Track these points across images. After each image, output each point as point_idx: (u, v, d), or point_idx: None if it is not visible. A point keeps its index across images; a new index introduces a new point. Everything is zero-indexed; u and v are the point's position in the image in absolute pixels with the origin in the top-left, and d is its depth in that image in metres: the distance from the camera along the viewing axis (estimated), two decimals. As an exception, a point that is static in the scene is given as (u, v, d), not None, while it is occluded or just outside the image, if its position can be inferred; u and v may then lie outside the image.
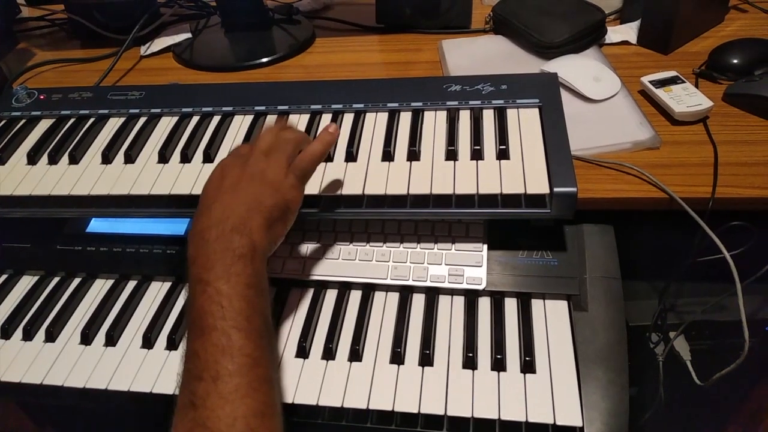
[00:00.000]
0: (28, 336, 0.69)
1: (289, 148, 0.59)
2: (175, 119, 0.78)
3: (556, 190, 0.61)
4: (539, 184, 0.62)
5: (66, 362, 0.66)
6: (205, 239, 0.52)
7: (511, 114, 0.71)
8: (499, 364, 0.61)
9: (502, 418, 0.57)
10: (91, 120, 0.79)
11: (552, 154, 0.64)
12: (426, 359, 0.62)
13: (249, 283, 0.51)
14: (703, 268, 0.67)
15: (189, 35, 1.06)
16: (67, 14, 1.10)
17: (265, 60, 0.98)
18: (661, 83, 0.78)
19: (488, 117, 0.72)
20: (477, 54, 0.93)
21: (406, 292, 0.69)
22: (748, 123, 0.75)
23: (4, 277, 0.76)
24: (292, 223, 0.59)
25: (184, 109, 0.78)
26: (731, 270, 0.63)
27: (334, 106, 0.76)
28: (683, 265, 0.68)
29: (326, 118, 0.75)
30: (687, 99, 0.75)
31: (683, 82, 0.78)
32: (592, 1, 0.93)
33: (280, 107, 0.76)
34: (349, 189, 0.65)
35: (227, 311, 0.48)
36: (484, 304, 0.67)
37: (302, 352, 0.63)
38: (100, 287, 0.74)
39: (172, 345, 0.66)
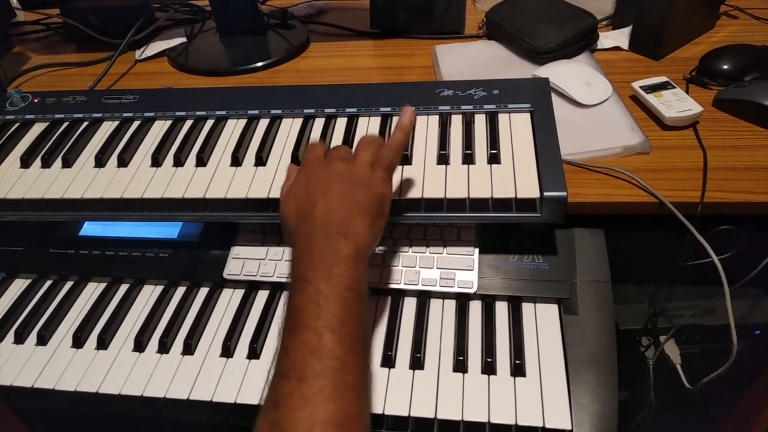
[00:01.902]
0: (19, 339, 0.69)
1: (372, 148, 0.59)
2: (168, 123, 0.78)
3: (546, 194, 0.61)
4: (529, 189, 0.62)
5: (57, 365, 0.66)
6: (311, 241, 0.52)
7: (502, 119, 0.72)
8: (489, 368, 0.61)
9: (492, 421, 0.57)
10: (85, 124, 0.79)
11: (542, 159, 0.65)
12: (417, 363, 0.62)
13: (349, 286, 0.50)
14: (692, 272, 0.67)
15: (184, 39, 1.06)
16: (63, 18, 1.11)
17: (259, 64, 0.99)
18: (652, 88, 0.79)
19: (480, 121, 0.72)
20: (470, 59, 0.93)
21: (397, 296, 0.69)
22: (738, 128, 0.76)
23: (-3, 280, 0.76)
24: (387, 217, 0.58)
25: (177, 113, 0.79)
26: (720, 274, 0.63)
27: (327, 111, 0.76)
28: (673, 269, 0.69)
29: (319, 123, 0.75)
30: (677, 104, 0.76)
31: (673, 87, 0.79)
32: (585, 7, 0.94)
33: (273, 111, 0.77)
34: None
35: (323, 311, 0.47)
36: (475, 308, 0.68)
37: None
38: (92, 290, 0.74)
39: (163, 348, 0.66)
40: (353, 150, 0.60)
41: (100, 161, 0.73)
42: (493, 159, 0.66)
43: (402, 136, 0.60)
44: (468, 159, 0.67)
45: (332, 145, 0.71)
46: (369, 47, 1.04)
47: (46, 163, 0.74)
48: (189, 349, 0.66)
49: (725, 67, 0.83)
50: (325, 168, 0.57)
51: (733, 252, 0.65)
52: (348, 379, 0.45)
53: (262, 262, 0.71)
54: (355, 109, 0.75)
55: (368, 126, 0.74)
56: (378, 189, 0.56)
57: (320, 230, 0.52)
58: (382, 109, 0.75)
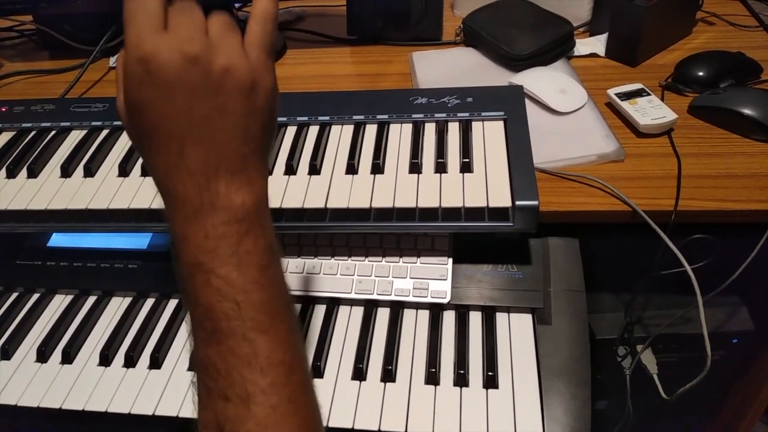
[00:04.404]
0: (-18, 354, 0.67)
1: (229, 20, 0.39)
2: (138, 132, 0.76)
3: (518, 203, 0.60)
4: (501, 198, 0.61)
5: (21, 381, 0.64)
6: (194, 206, 0.37)
7: (476, 127, 0.71)
8: (461, 380, 0.60)
9: (463, 435, 0.56)
10: (53, 133, 0.78)
11: (515, 167, 0.64)
12: (388, 375, 0.61)
13: (264, 263, 0.38)
14: (668, 280, 0.67)
15: (159, 46, 1.05)
16: (36, 25, 1.09)
17: (235, 71, 0.97)
18: (627, 96, 0.78)
19: (453, 130, 0.71)
20: (446, 66, 0.93)
21: (370, 307, 0.68)
22: (713, 135, 0.76)
23: (-39, 293, 0.75)
24: (276, 121, 0.42)
25: (147, 122, 0.77)
26: (693, 283, 0.63)
27: (299, 119, 0.75)
28: (648, 278, 0.68)
29: (291, 131, 0.74)
30: (652, 111, 0.75)
31: (648, 94, 0.79)
32: (561, 14, 0.93)
33: (244, 119, 0.75)
34: (312, 202, 0.65)
35: (244, 309, 0.37)
36: (449, 318, 0.67)
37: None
38: (59, 303, 0.72)
39: (130, 362, 0.65)
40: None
41: (67, 171, 0.71)
42: (466, 168, 0.66)
43: (270, 5, 0.40)
44: (440, 168, 0.66)
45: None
46: (346, 54, 1.03)
47: (12, 174, 0.72)
48: (156, 362, 0.64)
49: (700, 73, 0.83)
50: (181, 67, 0.36)
51: (707, 261, 0.64)
52: (297, 379, 0.38)
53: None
54: (327, 117, 0.74)
55: (341, 134, 0.73)
56: (265, 87, 0.39)
57: (202, 186, 0.37)
58: (355, 116, 0.74)
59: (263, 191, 0.40)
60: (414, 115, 0.73)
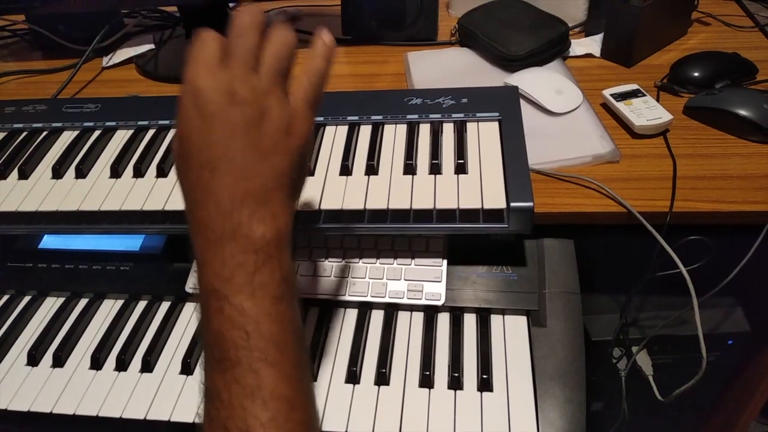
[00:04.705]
0: (-28, 357, 0.66)
1: (285, 64, 0.43)
2: (130, 132, 0.76)
3: (512, 204, 0.60)
4: (496, 199, 0.61)
5: (11, 384, 0.64)
6: (215, 233, 0.39)
7: (470, 128, 0.70)
8: (455, 383, 0.60)
9: (457, 438, 0.56)
10: (44, 133, 0.77)
11: (510, 169, 0.64)
12: (382, 378, 0.61)
13: (279, 296, 0.39)
14: (663, 281, 0.66)
15: (152, 46, 1.04)
16: (28, 24, 1.08)
17: (229, 72, 0.97)
18: (622, 96, 0.78)
19: (448, 131, 0.71)
20: (441, 66, 0.92)
21: (364, 309, 0.67)
22: (708, 136, 0.75)
23: (-49, 296, 0.74)
24: (307, 168, 0.46)
25: (139, 122, 0.77)
26: (688, 285, 0.63)
27: (293, 119, 0.74)
28: (643, 279, 0.68)
29: (285, 132, 0.73)
30: (647, 112, 0.75)
31: (644, 95, 0.78)
32: (557, 14, 0.93)
33: (238, 120, 0.75)
34: (306, 204, 0.64)
35: (253, 339, 0.38)
36: (443, 320, 0.66)
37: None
38: (50, 306, 0.71)
39: (121, 366, 0.64)
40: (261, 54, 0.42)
41: (58, 172, 0.71)
42: (460, 169, 0.65)
43: (325, 64, 0.45)
44: (435, 169, 0.66)
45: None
46: (341, 54, 1.02)
47: (2, 175, 0.71)
48: (148, 366, 0.64)
49: (695, 74, 0.82)
50: (227, 104, 0.40)
51: (702, 262, 0.64)
52: (299, 417, 0.38)
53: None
54: (321, 118, 0.74)
55: (335, 135, 0.72)
56: (298, 135, 0.42)
57: (225, 217, 0.39)
58: (349, 117, 0.74)
59: (286, 227, 0.41)
60: (409, 116, 0.73)
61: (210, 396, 0.39)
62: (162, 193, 0.66)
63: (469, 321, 0.66)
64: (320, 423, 0.41)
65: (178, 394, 0.61)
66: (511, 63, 0.89)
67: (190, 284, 0.68)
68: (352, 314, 0.67)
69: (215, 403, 0.38)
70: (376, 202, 0.63)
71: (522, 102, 0.73)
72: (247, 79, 0.40)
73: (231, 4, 1.07)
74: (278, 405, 0.37)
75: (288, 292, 0.40)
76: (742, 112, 0.73)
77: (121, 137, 0.75)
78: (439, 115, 0.72)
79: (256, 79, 0.41)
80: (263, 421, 0.36)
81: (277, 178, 0.41)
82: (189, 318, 0.68)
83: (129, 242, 0.74)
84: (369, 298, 0.66)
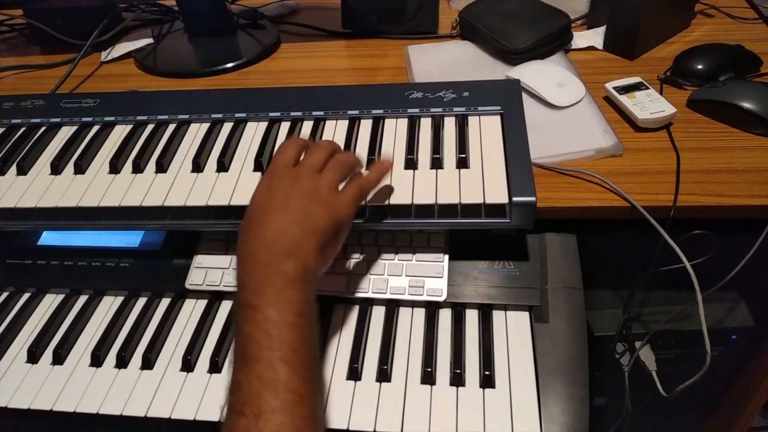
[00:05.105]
0: (-28, 354, 0.66)
1: (345, 170, 0.58)
2: (129, 128, 0.75)
3: (515, 199, 0.59)
4: (498, 194, 0.60)
5: (11, 382, 0.63)
6: (257, 262, 0.50)
7: (472, 122, 0.70)
8: (457, 379, 0.59)
9: (459, 435, 0.55)
10: (43, 129, 0.77)
11: (512, 163, 0.63)
12: (383, 375, 0.60)
13: (299, 311, 0.48)
14: (667, 276, 0.66)
15: (151, 40, 1.04)
16: (26, 19, 1.07)
17: (229, 65, 0.96)
18: (625, 89, 0.77)
19: (449, 125, 0.70)
20: (442, 60, 0.92)
21: (365, 305, 0.67)
22: (712, 129, 0.75)
23: (-50, 293, 0.73)
24: (342, 243, 0.57)
25: (138, 118, 0.76)
26: (692, 280, 0.62)
27: (293, 114, 0.74)
28: (646, 274, 0.67)
29: (285, 126, 0.73)
30: (650, 105, 0.74)
31: (647, 88, 0.77)
32: (559, 7, 0.92)
33: (237, 115, 0.74)
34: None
35: (274, 340, 0.46)
36: (445, 316, 0.66)
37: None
38: (49, 303, 0.71)
39: (121, 363, 0.63)
40: (331, 158, 0.58)
41: (56, 168, 0.70)
42: (462, 163, 0.65)
43: (377, 179, 0.60)
44: (436, 164, 0.65)
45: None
46: (341, 48, 1.02)
47: (1, 170, 0.71)
48: (148, 363, 0.63)
49: (699, 67, 0.81)
50: (290, 179, 0.55)
51: (707, 257, 0.64)
52: (305, 411, 0.44)
53: (225, 271, 0.68)
54: (322, 112, 0.73)
55: (335, 129, 0.72)
56: (338, 213, 0.54)
57: (268, 249, 0.51)
58: (349, 111, 0.73)
59: (312, 268, 0.52)
60: (409, 110, 0.72)
61: (233, 389, 0.46)
62: (161, 188, 0.66)
63: (471, 317, 0.66)
64: (325, 425, 0.48)
65: (178, 391, 0.61)
66: (512, 56, 0.88)
67: (190, 280, 0.68)
68: (353, 310, 0.67)
69: (236, 395, 0.45)
70: (377, 198, 0.62)
71: (524, 95, 0.73)
72: (311, 176, 0.55)
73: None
74: (288, 396, 0.44)
75: (306, 312, 0.49)
76: (747, 105, 0.72)
77: (119, 132, 0.75)
78: (440, 109, 0.72)
79: (317, 176, 0.55)
80: (274, 407, 0.43)
81: (314, 231, 0.52)
82: (189, 314, 0.68)
83: (128, 238, 0.74)
84: (370, 294, 0.66)
